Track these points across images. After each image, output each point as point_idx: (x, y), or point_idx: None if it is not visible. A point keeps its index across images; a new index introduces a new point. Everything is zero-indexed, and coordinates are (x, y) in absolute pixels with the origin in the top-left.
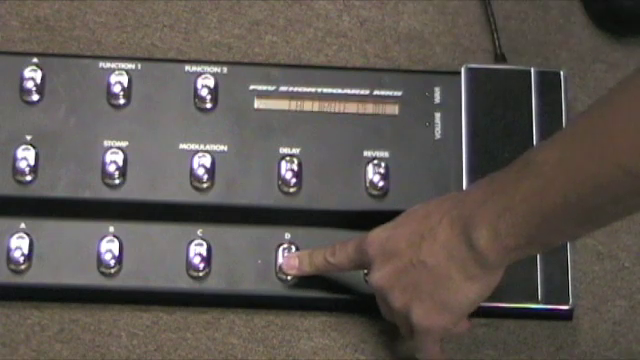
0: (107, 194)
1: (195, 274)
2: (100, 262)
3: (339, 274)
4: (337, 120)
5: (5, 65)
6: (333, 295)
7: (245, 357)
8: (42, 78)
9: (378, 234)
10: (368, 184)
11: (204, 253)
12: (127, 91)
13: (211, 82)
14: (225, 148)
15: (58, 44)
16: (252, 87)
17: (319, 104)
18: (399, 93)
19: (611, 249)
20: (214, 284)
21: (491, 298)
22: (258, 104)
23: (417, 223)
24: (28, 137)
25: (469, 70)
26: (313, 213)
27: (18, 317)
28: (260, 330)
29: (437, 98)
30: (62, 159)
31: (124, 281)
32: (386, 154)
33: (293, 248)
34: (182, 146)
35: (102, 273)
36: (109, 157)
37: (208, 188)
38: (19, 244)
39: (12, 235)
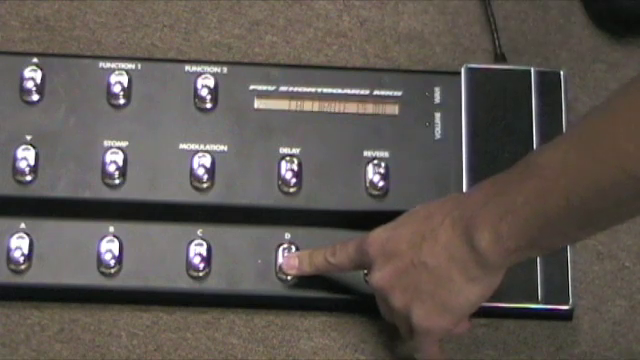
0: (107, 194)
1: (195, 274)
2: (100, 262)
3: (339, 274)
4: (337, 120)
5: (5, 65)
6: (333, 295)
7: (245, 357)
8: (42, 78)
9: (379, 234)
10: (368, 184)
11: (204, 253)
12: (127, 91)
13: (211, 82)
14: (225, 148)
15: (58, 44)
16: (252, 87)
17: (319, 104)
18: (399, 93)
19: (611, 249)
20: (214, 284)
21: (491, 298)
22: (258, 104)
23: (418, 224)
24: (28, 137)
25: (469, 70)
26: (313, 213)
27: (18, 317)
28: (260, 330)
29: (437, 98)
30: (62, 159)
31: (124, 281)
32: (386, 154)
33: (293, 248)
34: (182, 146)
35: (102, 273)
36: (109, 157)
37: (208, 188)
38: (19, 244)
39: (12, 235)
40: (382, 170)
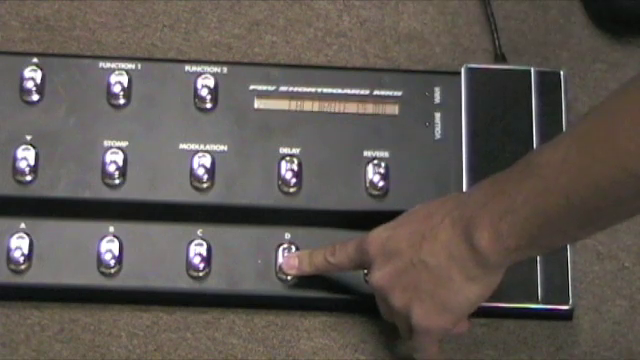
0: (107, 194)
1: (195, 274)
2: (100, 262)
3: (339, 274)
4: (337, 120)
5: (5, 65)
6: (333, 295)
7: (245, 357)
8: (42, 78)
9: (379, 234)
10: (368, 184)
11: (204, 253)
12: (127, 91)
13: (211, 82)
14: (225, 148)
15: (58, 44)
16: (252, 87)
17: (319, 104)
18: (399, 93)
19: (611, 249)
20: (214, 284)
21: (491, 298)
22: (258, 104)
23: (418, 223)
24: (28, 137)
25: (469, 70)
26: (313, 213)
27: (18, 317)
28: (260, 330)
29: (437, 98)
30: (62, 159)
31: (124, 281)
32: (386, 154)
33: (293, 248)
34: (182, 146)
35: (102, 273)
36: (109, 157)
37: (208, 188)
38: (19, 244)
39: (12, 235)
40: (382, 170)
